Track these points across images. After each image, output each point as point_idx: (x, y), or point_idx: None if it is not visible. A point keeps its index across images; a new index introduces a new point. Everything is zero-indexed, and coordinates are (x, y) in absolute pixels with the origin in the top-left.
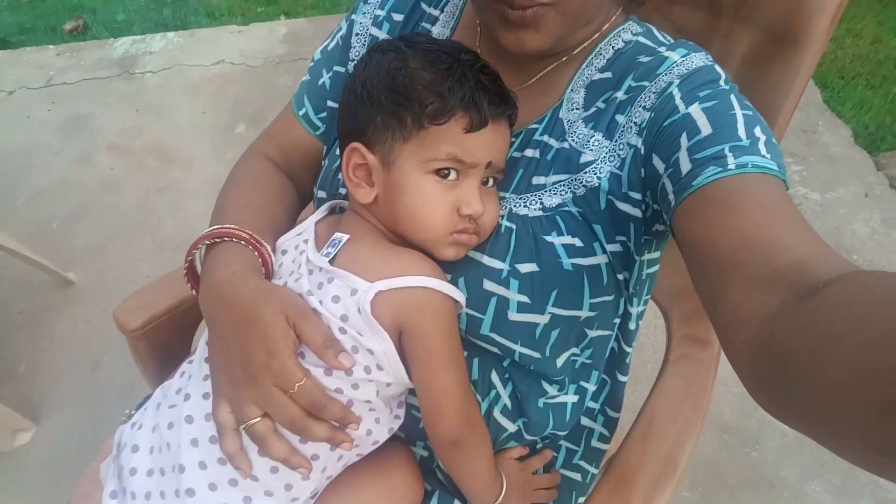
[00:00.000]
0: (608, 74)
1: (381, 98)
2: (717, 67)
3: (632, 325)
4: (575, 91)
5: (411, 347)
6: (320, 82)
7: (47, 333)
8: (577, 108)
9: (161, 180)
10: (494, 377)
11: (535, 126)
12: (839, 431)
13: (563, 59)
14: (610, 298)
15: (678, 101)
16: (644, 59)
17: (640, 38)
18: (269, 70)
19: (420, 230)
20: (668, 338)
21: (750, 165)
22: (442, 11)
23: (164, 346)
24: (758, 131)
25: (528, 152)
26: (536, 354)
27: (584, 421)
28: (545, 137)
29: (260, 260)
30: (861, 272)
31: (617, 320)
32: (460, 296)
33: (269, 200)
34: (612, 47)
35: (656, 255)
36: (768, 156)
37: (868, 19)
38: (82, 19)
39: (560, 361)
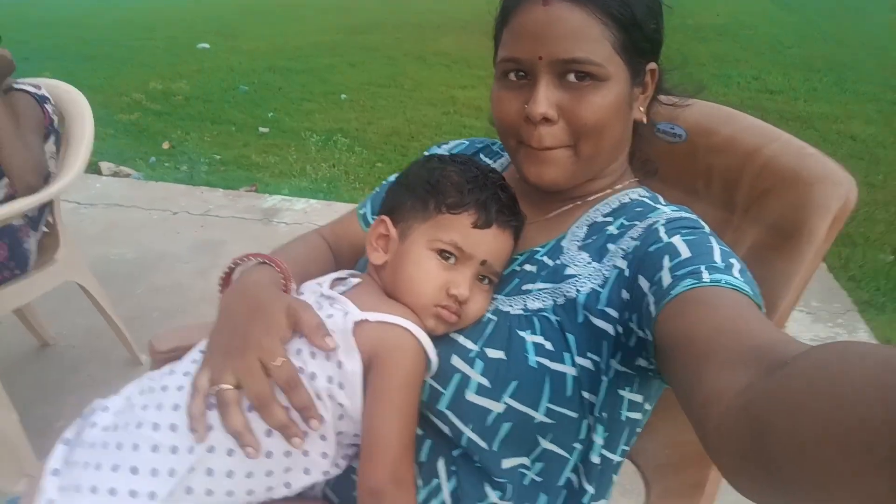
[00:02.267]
0: (609, 219)
1: (416, 187)
2: (703, 222)
3: (595, 459)
4: (579, 227)
5: (372, 380)
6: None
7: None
8: (576, 240)
9: None
10: (441, 466)
11: (538, 249)
12: (828, 490)
13: (578, 202)
14: (572, 415)
15: (662, 233)
16: (640, 209)
17: (645, 199)
18: None
19: (410, 294)
20: None
21: (723, 282)
22: (494, 163)
23: None
24: (733, 261)
25: (527, 267)
26: (484, 444)
27: None
28: (544, 258)
29: (284, 283)
30: (827, 343)
31: (578, 445)
32: (433, 353)
33: (310, 260)
34: (619, 201)
35: (639, 398)
36: (741, 279)
37: None
38: (256, 186)
39: (506, 464)
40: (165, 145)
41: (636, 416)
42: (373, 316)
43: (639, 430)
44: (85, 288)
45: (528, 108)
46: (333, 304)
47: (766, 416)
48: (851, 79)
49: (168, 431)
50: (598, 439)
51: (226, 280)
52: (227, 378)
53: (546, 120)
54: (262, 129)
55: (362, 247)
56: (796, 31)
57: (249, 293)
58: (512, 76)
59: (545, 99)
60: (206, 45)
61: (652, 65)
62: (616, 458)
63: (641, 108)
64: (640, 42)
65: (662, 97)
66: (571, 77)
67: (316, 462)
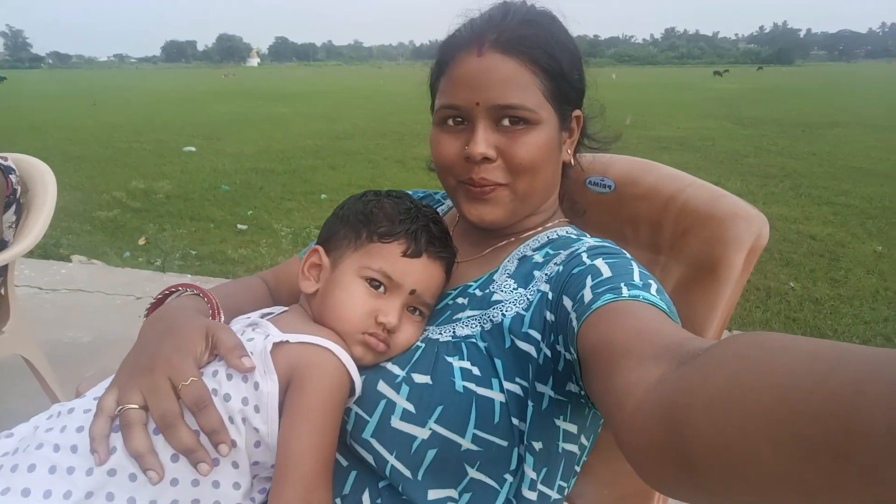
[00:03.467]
0: (538, 253)
1: (350, 217)
2: (623, 251)
3: (531, 495)
4: (510, 262)
5: (290, 400)
6: None
7: None
8: (507, 272)
9: None
10: (366, 498)
11: (471, 283)
12: (753, 483)
13: (512, 239)
14: (501, 443)
15: (585, 258)
16: (564, 241)
17: (572, 235)
18: None
19: (338, 320)
20: None
21: (641, 297)
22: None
23: None
24: (651, 282)
25: (459, 300)
26: (408, 473)
27: None
28: (476, 291)
29: (211, 313)
30: (738, 335)
31: (509, 477)
32: (357, 376)
33: (245, 298)
34: (548, 237)
35: (573, 428)
36: (657, 297)
37: None
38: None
39: (432, 495)
40: (141, 241)
41: (572, 448)
42: (294, 337)
43: (577, 467)
44: (31, 363)
45: (468, 149)
46: (256, 329)
47: (683, 408)
48: (805, 185)
49: (68, 452)
50: (532, 472)
51: (152, 310)
52: (134, 398)
53: (486, 159)
54: (240, 227)
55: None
56: (751, 143)
57: (168, 316)
58: (450, 122)
59: (484, 140)
60: (192, 149)
61: (577, 112)
62: (553, 494)
63: (569, 151)
64: (566, 91)
65: (592, 153)
66: (506, 122)
67: (227, 494)
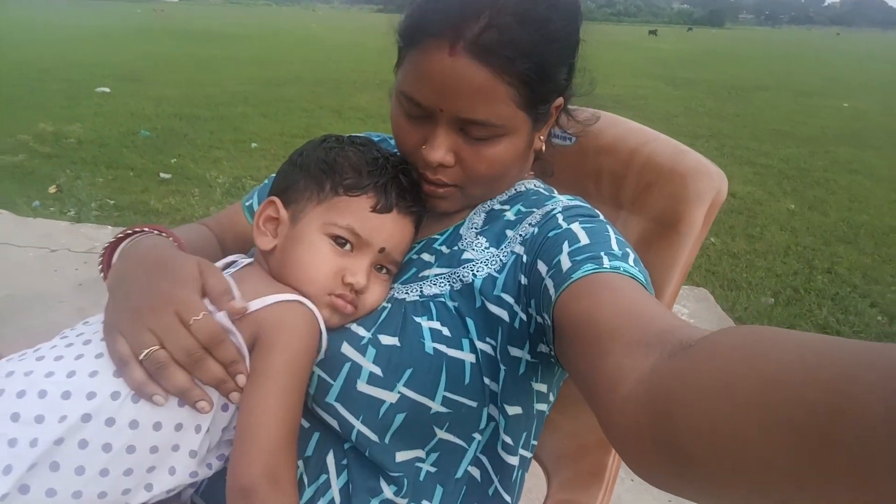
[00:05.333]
0: (506, 207)
1: (311, 165)
2: (597, 211)
3: (511, 460)
4: (477, 215)
5: (255, 360)
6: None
7: None
8: (474, 227)
9: None
10: (330, 460)
11: (436, 237)
12: (743, 473)
13: None
14: (471, 404)
15: (561, 220)
16: (535, 197)
17: (540, 189)
18: None
19: (302, 281)
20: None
21: (622, 269)
22: None
23: None
24: (628, 251)
25: (425, 256)
26: (374, 437)
27: None
28: (442, 247)
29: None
30: (733, 327)
31: (478, 437)
32: (325, 332)
33: (198, 247)
34: (516, 189)
35: (543, 388)
36: (636, 268)
37: None
38: None
39: (400, 457)
40: (52, 189)
41: (542, 407)
42: (256, 304)
43: (541, 424)
44: None
45: (424, 151)
46: None
47: (676, 399)
48: (729, 145)
49: (7, 421)
50: (508, 437)
51: (107, 257)
52: (148, 339)
53: (442, 165)
54: (163, 175)
55: (248, 239)
56: (682, 104)
57: (151, 253)
58: (412, 112)
59: (443, 146)
60: (107, 89)
61: (558, 101)
62: (528, 455)
63: (542, 138)
64: (547, 94)
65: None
66: (470, 131)
67: (182, 460)
